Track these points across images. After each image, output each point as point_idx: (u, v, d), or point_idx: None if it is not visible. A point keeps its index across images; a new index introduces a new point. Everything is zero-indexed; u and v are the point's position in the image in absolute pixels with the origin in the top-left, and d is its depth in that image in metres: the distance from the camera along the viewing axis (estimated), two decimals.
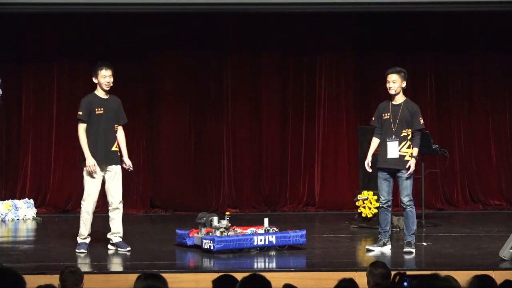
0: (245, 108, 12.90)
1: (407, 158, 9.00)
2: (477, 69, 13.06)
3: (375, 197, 10.63)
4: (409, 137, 9.05)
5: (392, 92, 9.08)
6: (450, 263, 8.35)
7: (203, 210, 10.37)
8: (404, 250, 9.04)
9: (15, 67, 12.64)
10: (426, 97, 12.88)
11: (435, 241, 9.84)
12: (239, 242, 8.96)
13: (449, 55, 12.97)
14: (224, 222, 9.20)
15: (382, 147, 9.14)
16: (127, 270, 8.25)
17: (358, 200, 10.97)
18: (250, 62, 12.92)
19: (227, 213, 9.49)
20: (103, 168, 9.02)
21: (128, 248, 9.05)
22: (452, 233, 10.56)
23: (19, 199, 12.15)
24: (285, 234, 9.22)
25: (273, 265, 8.70)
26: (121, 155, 9.17)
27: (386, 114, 9.10)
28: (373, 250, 9.14)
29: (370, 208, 10.85)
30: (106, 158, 9.01)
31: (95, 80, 9.14)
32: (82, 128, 9.02)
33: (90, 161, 8.91)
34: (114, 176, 9.06)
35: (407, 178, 9.00)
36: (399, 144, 9.02)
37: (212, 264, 8.60)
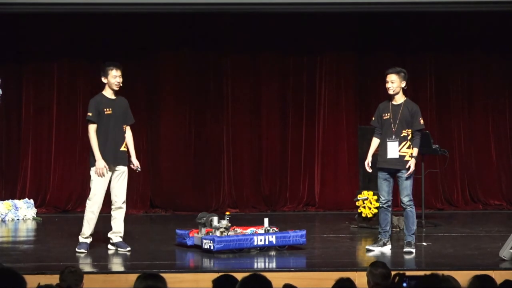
0: (245, 108, 12.90)
1: (407, 158, 9.00)
2: (477, 69, 13.06)
3: (375, 197, 10.63)
4: (409, 137, 9.04)
5: (390, 92, 9.07)
6: (450, 263, 8.35)
7: (203, 210, 10.37)
8: (404, 250, 9.04)
9: (15, 67, 12.64)
10: (426, 97, 12.89)
11: (435, 241, 9.84)
12: (239, 242, 8.96)
13: (449, 55, 12.97)
14: (224, 222, 9.20)
15: (382, 147, 9.14)
16: (127, 270, 8.25)
17: (358, 200, 10.97)
18: (250, 62, 12.92)
19: (227, 213, 9.49)
20: (111, 168, 9.02)
21: (128, 248, 9.05)
22: (452, 233, 10.56)
23: (19, 199, 12.15)
24: (285, 234, 9.22)
25: (273, 265, 8.70)
26: (129, 156, 9.16)
27: (386, 114, 9.09)
28: (373, 250, 9.14)
29: (370, 208, 10.85)
30: (114, 159, 9.01)
31: (104, 80, 9.12)
32: (92, 129, 9.02)
33: (101, 164, 8.91)
34: (120, 176, 9.07)
35: (407, 178, 9.00)
36: (399, 144, 9.01)
37: (212, 264, 8.60)
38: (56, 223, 11.68)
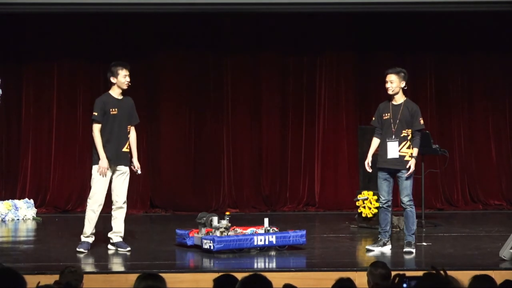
0: (245, 108, 12.90)
1: (407, 158, 9.00)
2: (477, 69, 13.07)
3: (375, 197, 10.63)
4: (409, 137, 9.04)
5: (390, 92, 9.07)
6: (450, 263, 8.35)
7: (203, 210, 10.37)
8: (404, 250, 9.04)
9: (15, 67, 12.64)
10: (426, 97, 12.89)
11: (435, 241, 9.84)
12: (239, 242, 8.96)
13: (449, 55, 12.97)
14: (224, 222, 9.20)
15: (382, 147, 9.14)
16: (127, 270, 8.25)
17: (358, 200, 10.98)
18: (250, 62, 12.92)
19: (227, 213, 9.49)
20: (111, 167, 9.02)
21: (128, 248, 9.05)
22: (452, 233, 10.56)
23: (19, 199, 12.15)
24: (285, 234, 9.22)
25: (273, 265, 8.70)
26: (131, 156, 9.16)
27: (386, 114, 9.09)
28: (373, 250, 9.14)
29: (370, 208, 10.86)
30: (116, 159, 9.02)
31: (113, 80, 9.12)
32: (97, 128, 9.02)
33: (104, 164, 8.92)
34: (121, 176, 9.08)
35: (407, 178, 9.00)
36: (399, 144, 9.01)
37: (212, 264, 8.60)
38: (56, 223, 11.69)
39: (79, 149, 12.55)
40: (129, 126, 9.15)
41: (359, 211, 11.03)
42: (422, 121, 9.10)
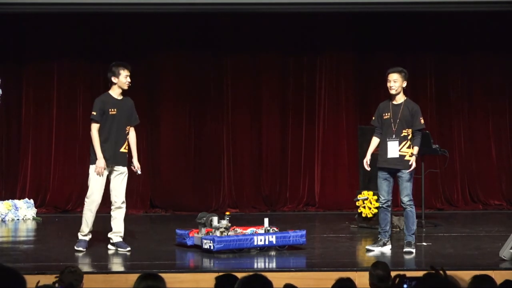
0: (245, 108, 12.90)
1: (407, 158, 9.00)
2: (477, 69, 13.06)
3: (375, 197, 10.63)
4: (409, 137, 9.04)
5: (392, 91, 9.07)
6: (450, 263, 8.35)
7: (203, 210, 10.37)
8: (404, 250, 9.04)
9: (15, 67, 12.64)
10: (426, 97, 12.89)
11: (435, 241, 9.84)
12: (239, 242, 8.96)
13: (449, 55, 12.97)
14: (224, 222, 9.20)
15: (382, 147, 9.14)
16: (127, 270, 8.25)
17: (358, 200, 10.98)
18: (250, 62, 12.92)
19: (227, 213, 9.49)
20: (109, 168, 9.03)
21: (128, 248, 9.05)
22: (452, 233, 10.56)
23: (19, 199, 12.15)
24: (285, 234, 9.22)
25: (273, 265, 8.70)
26: (130, 157, 9.17)
27: (386, 114, 9.09)
28: (373, 250, 9.14)
29: (370, 208, 10.86)
30: (113, 159, 9.03)
31: (114, 80, 9.12)
32: (95, 128, 9.03)
33: (101, 163, 8.93)
34: (119, 177, 9.09)
35: (407, 178, 9.00)
36: (399, 144, 9.01)
37: (212, 264, 8.60)
38: (56, 223, 11.69)
39: (79, 149, 12.55)
40: (128, 127, 9.14)
41: (359, 211, 11.03)
42: (422, 121, 9.11)
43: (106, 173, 9.02)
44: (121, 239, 9.14)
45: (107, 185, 9.13)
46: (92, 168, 9.02)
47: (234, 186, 12.83)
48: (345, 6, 11.69)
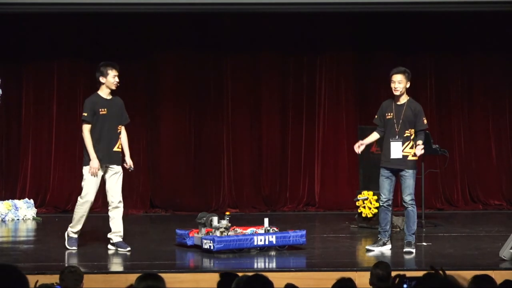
0: (245, 108, 12.90)
1: (410, 158, 9.01)
2: (477, 69, 13.06)
3: (375, 197, 10.63)
4: (412, 137, 9.05)
5: (397, 93, 9.07)
6: (450, 263, 8.35)
7: (203, 210, 10.37)
8: (404, 250, 9.04)
9: (15, 67, 12.64)
10: (426, 97, 12.88)
11: (435, 241, 9.84)
12: (239, 242, 8.96)
13: (449, 55, 12.97)
14: (224, 222, 9.20)
15: (385, 147, 9.15)
16: (127, 270, 8.25)
17: (358, 200, 10.97)
18: (250, 62, 12.92)
19: (227, 213, 9.49)
20: (103, 168, 9.04)
21: (128, 248, 9.06)
22: (452, 233, 10.56)
23: (19, 199, 12.15)
24: (285, 234, 9.22)
25: (273, 265, 8.70)
26: (123, 155, 9.19)
27: (389, 114, 9.10)
28: (373, 250, 9.14)
29: (370, 208, 10.85)
30: (107, 159, 9.04)
31: (102, 80, 9.13)
32: (87, 129, 9.05)
33: (95, 164, 8.95)
34: (114, 176, 9.09)
35: (410, 178, 9.00)
36: (402, 144, 9.04)
37: (212, 264, 8.60)
38: (56, 223, 11.68)
39: (79, 149, 12.51)
40: (119, 126, 9.16)
41: (359, 211, 11.02)
42: (425, 121, 9.13)
43: (100, 173, 9.03)
44: (121, 239, 9.15)
45: (101, 185, 9.15)
46: (85, 169, 9.04)
47: (234, 186, 12.83)
48: (345, 6, 11.69)
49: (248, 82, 12.92)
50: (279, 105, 12.96)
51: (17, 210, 11.84)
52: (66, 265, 7.30)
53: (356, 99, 13.01)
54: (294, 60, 12.97)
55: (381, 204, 9.24)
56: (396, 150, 9.01)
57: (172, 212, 12.58)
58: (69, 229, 9.18)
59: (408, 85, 9.12)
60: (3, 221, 11.70)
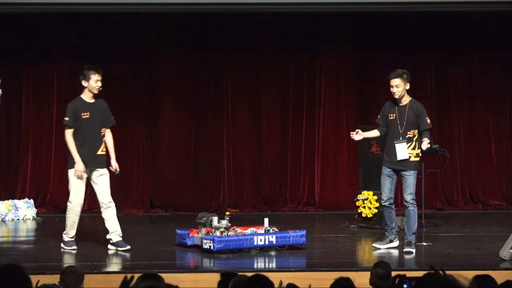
0: (245, 108, 12.90)
1: (412, 159, 9.05)
2: (477, 69, 13.06)
3: (375, 197, 10.63)
4: (414, 138, 9.09)
5: (396, 96, 9.12)
6: (450, 263, 8.35)
7: (203, 210, 10.37)
8: (404, 250, 9.05)
9: (15, 67, 12.64)
10: (426, 97, 12.87)
11: (435, 241, 9.84)
12: (239, 242, 8.96)
13: (449, 55, 12.97)
14: (224, 222, 9.20)
15: (388, 148, 9.18)
16: (127, 270, 8.25)
17: (358, 200, 10.97)
18: (250, 62, 12.92)
19: (227, 213, 9.49)
20: (88, 171, 9.10)
21: (128, 247, 9.07)
22: (452, 233, 10.56)
23: (19, 199, 12.15)
24: (285, 234, 9.22)
25: (273, 265, 8.70)
26: (109, 158, 9.21)
27: (392, 115, 9.14)
28: (379, 248, 9.18)
29: (370, 208, 10.85)
30: (91, 162, 9.11)
31: (85, 84, 9.19)
32: (69, 133, 9.14)
33: (80, 167, 9.00)
34: (101, 178, 9.16)
35: (412, 178, 9.04)
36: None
37: (212, 264, 8.60)
38: (56, 223, 11.65)
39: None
40: (103, 129, 9.17)
41: (359, 211, 11.02)
42: (429, 120, 9.17)
43: (85, 176, 9.07)
44: (120, 238, 9.16)
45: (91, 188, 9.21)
46: (71, 172, 9.11)
47: (234, 186, 12.83)
48: (345, 6, 11.68)
49: (248, 82, 12.91)
50: (279, 105, 12.95)
51: (17, 210, 11.84)
52: (66, 265, 7.30)
53: (356, 99, 13.00)
54: (294, 60, 12.97)
55: (382, 203, 9.26)
56: (402, 151, 9.05)
57: (172, 212, 12.58)
58: (64, 235, 9.19)
59: (407, 87, 9.15)
60: (3, 221, 11.70)
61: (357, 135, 9.26)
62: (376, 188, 9.84)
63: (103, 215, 9.16)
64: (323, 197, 12.88)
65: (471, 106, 13.07)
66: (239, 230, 9.29)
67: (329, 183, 12.90)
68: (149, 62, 12.78)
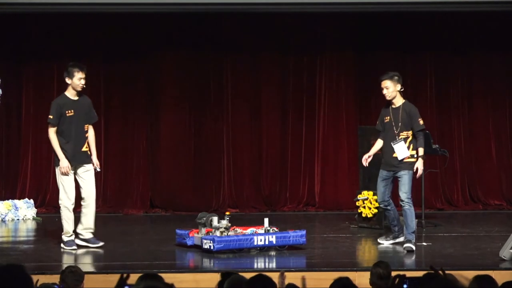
0: (245, 108, 12.90)
1: (406, 160, 9.14)
2: (477, 69, 13.06)
3: (375, 197, 10.63)
4: (409, 139, 9.16)
5: (387, 98, 9.32)
6: (450, 263, 8.35)
7: (203, 210, 10.36)
8: (404, 246, 9.10)
9: (15, 67, 12.64)
10: (426, 97, 12.89)
11: (435, 241, 9.84)
12: (239, 242, 8.96)
13: (449, 55, 12.97)
14: (224, 222, 9.20)
15: (385, 151, 9.30)
16: (127, 270, 8.24)
17: (358, 200, 10.98)
18: (250, 62, 12.92)
19: (227, 213, 9.49)
20: (73, 168, 9.15)
21: (101, 244, 9.14)
22: (452, 233, 10.55)
23: (19, 199, 12.15)
24: (285, 234, 9.22)
25: (273, 265, 8.70)
26: (91, 154, 9.24)
27: (387, 118, 9.33)
28: (382, 244, 9.28)
29: (370, 208, 10.85)
30: (76, 159, 9.14)
31: (68, 81, 9.25)
32: (52, 131, 9.16)
33: (64, 163, 9.04)
34: (86, 174, 9.21)
35: (407, 178, 9.11)
36: None
37: (212, 264, 8.60)
38: (56, 223, 11.63)
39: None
40: (86, 126, 9.19)
41: (359, 211, 11.02)
42: (421, 122, 9.22)
43: (72, 172, 9.12)
44: (92, 235, 9.19)
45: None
46: (57, 170, 9.12)
47: (234, 186, 12.83)
48: (345, 6, 11.69)
49: (248, 82, 12.91)
50: (279, 105, 12.95)
51: (17, 210, 11.84)
52: (66, 265, 7.29)
53: (356, 99, 13.01)
54: (294, 60, 12.97)
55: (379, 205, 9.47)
56: (402, 150, 9.17)
57: (172, 212, 12.57)
58: (63, 236, 9.20)
59: (398, 88, 9.29)
60: (3, 221, 11.70)
61: (368, 160, 9.41)
62: (376, 188, 9.83)
63: (83, 209, 9.26)
64: (323, 197, 12.88)
65: (471, 106, 13.07)
66: (239, 230, 9.29)
67: (329, 183, 12.90)
68: (149, 62, 12.78)
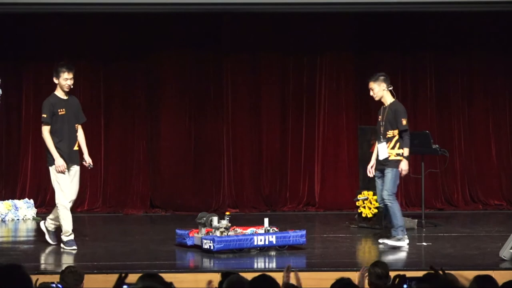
0: (245, 108, 12.90)
1: (391, 158, 9.32)
2: (477, 69, 13.07)
3: (375, 197, 10.63)
4: (394, 138, 9.28)
5: (375, 99, 9.57)
6: (450, 263, 8.35)
7: (203, 210, 10.37)
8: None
9: (15, 67, 12.64)
10: (426, 97, 12.89)
11: (435, 241, 9.84)
12: (239, 242, 8.96)
13: (449, 55, 12.97)
14: (224, 222, 9.20)
15: (376, 150, 9.50)
16: (127, 270, 8.23)
17: (358, 200, 10.98)
18: (250, 62, 12.92)
19: (227, 213, 9.49)
20: (67, 166, 9.13)
21: (55, 243, 9.16)
22: (452, 233, 10.55)
23: (19, 199, 12.16)
24: (285, 234, 9.22)
25: (273, 265, 8.69)
26: (82, 153, 9.25)
27: (379, 118, 9.49)
28: (382, 243, 9.31)
29: (370, 208, 10.86)
30: (69, 158, 9.15)
31: (56, 81, 9.28)
32: (46, 130, 9.18)
33: (60, 162, 9.05)
34: (73, 176, 9.19)
35: (390, 177, 9.29)
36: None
37: (212, 264, 8.60)
38: None
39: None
40: (76, 125, 9.23)
41: (359, 211, 11.03)
42: (404, 122, 9.33)
43: (67, 170, 9.12)
44: (55, 230, 9.28)
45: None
46: (52, 169, 9.14)
47: (234, 186, 12.83)
48: (345, 6, 11.69)
49: (248, 82, 12.92)
50: (279, 105, 12.96)
51: (17, 210, 11.84)
52: (66, 265, 7.30)
53: (356, 99, 13.01)
54: (294, 60, 12.98)
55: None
56: (382, 151, 9.35)
57: (172, 212, 12.58)
58: (62, 236, 9.20)
59: (384, 88, 9.39)
60: (3, 221, 11.70)
61: (372, 170, 9.50)
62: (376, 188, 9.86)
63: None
64: (323, 197, 12.88)
65: (471, 105, 13.07)
66: (239, 230, 9.29)
67: (329, 183, 12.91)
68: (149, 62, 12.78)
